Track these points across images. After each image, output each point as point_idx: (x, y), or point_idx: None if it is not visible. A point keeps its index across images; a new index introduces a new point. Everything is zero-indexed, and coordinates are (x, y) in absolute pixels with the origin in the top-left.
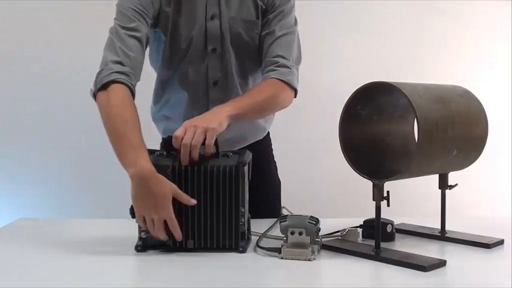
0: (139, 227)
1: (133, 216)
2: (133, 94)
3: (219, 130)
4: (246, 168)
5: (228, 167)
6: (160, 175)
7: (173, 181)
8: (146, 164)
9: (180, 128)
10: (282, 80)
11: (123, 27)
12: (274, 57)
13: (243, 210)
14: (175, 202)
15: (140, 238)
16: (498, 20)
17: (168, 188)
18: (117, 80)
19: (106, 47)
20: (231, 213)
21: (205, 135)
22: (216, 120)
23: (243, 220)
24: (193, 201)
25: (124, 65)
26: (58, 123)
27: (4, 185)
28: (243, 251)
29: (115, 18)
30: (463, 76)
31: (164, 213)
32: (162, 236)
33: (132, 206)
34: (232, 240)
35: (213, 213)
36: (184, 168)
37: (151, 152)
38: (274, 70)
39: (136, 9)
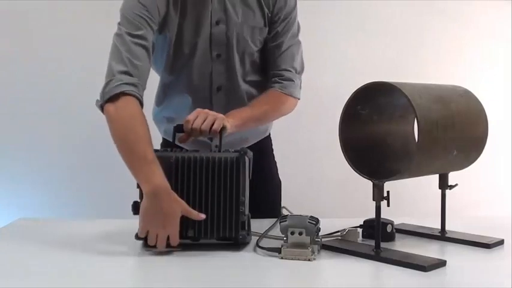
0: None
1: (135, 212)
2: (141, 105)
3: (227, 122)
4: (247, 158)
5: (230, 157)
6: (174, 193)
7: (176, 170)
8: (161, 181)
9: (192, 113)
10: (284, 93)
11: (130, 34)
12: (279, 70)
13: (243, 198)
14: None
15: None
16: (498, 20)
17: (179, 206)
18: (127, 91)
19: (111, 54)
20: (231, 202)
21: (214, 123)
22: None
23: (243, 209)
24: (203, 216)
25: (132, 75)
26: (58, 123)
27: (4, 185)
28: (243, 239)
29: (120, 24)
30: (463, 76)
31: (170, 230)
32: (161, 247)
33: (134, 202)
34: (233, 229)
35: (214, 202)
36: (187, 158)
37: (154, 151)
38: (278, 83)
39: (143, 16)
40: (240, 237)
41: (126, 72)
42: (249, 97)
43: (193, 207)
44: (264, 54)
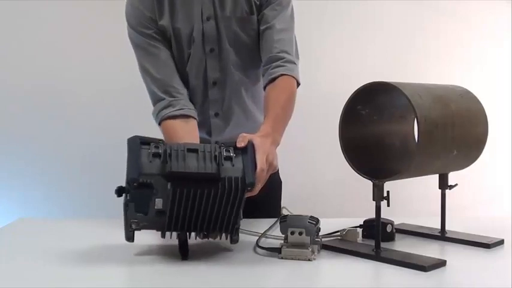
0: (129, 220)
1: (119, 195)
2: (183, 115)
3: (276, 162)
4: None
5: (234, 179)
6: None
7: (174, 194)
8: None
9: (261, 162)
10: (291, 76)
11: (146, 62)
12: (278, 52)
13: (240, 220)
14: (178, 199)
15: (130, 230)
16: (498, 20)
17: None
18: (163, 119)
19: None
20: (229, 220)
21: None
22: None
23: (239, 223)
24: None
25: (165, 97)
26: (59, 123)
27: (5, 184)
28: (235, 242)
29: (136, 57)
30: (463, 76)
31: None
32: None
33: (118, 187)
34: (228, 235)
35: (212, 217)
36: (186, 191)
37: (147, 142)
38: (282, 66)
39: (147, 38)
40: (233, 243)
41: (158, 100)
42: (246, 89)
43: (190, 217)
44: (258, 40)
